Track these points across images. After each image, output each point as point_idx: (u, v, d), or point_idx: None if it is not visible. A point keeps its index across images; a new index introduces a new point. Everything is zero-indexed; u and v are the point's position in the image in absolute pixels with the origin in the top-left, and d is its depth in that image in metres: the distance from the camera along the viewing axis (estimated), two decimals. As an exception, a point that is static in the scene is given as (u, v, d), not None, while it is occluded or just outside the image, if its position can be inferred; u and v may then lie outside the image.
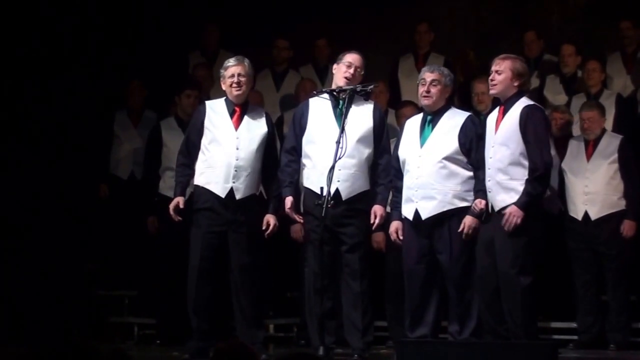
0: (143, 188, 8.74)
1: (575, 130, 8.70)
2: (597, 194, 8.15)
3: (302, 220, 7.26)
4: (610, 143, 8.21)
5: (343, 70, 7.16)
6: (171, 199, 8.27)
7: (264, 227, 7.26)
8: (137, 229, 8.74)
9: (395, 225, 7.17)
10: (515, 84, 7.00)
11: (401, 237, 7.14)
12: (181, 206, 7.28)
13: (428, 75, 7.14)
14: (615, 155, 8.14)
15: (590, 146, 8.26)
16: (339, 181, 6.97)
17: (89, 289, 9.09)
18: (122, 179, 9.23)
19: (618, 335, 8.12)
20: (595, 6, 10.44)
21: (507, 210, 6.86)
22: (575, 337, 8.31)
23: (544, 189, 6.97)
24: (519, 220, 6.82)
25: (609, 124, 8.64)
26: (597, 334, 8.20)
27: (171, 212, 7.30)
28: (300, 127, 7.20)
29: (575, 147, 8.34)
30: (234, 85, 7.29)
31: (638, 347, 8.20)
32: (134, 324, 9.02)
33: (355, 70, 7.14)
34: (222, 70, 7.37)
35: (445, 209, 6.99)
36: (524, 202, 6.83)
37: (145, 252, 8.72)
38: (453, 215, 7.00)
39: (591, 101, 8.68)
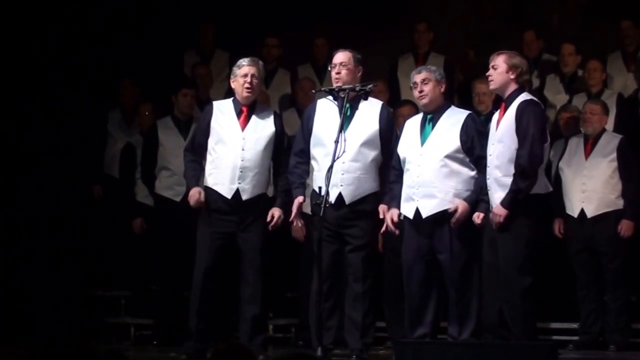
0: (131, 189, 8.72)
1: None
2: (595, 192, 8.12)
3: (300, 224, 7.22)
4: (610, 142, 8.18)
5: (333, 74, 7.13)
6: (167, 199, 8.32)
7: (267, 219, 7.19)
8: (133, 229, 8.71)
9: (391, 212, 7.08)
10: (512, 76, 6.96)
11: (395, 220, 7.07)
12: (202, 198, 7.18)
13: (417, 77, 7.16)
14: (614, 155, 8.11)
15: (589, 144, 8.23)
16: (342, 185, 6.95)
17: (85, 289, 9.05)
18: (116, 178, 9.16)
19: (617, 336, 8.09)
20: (596, 5, 10.42)
21: (493, 210, 6.84)
22: (575, 338, 8.28)
23: (530, 183, 6.81)
24: (502, 219, 6.78)
25: (610, 123, 8.61)
26: (597, 334, 8.18)
27: (192, 203, 7.21)
28: (307, 130, 7.17)
29: (574, 145, 8.31)
30: (246, 85, 7.22)
31: (638, 348, 8.18)
32: (131, 325, 8.99)
33: (340, 68, 7.08)
34: (234, 69, 7.30)
35: (445, 208, 6.96)
36: (507, 200, 6.79)
37: (141, 252, 8.68)
38: (453, 215, 6.96)
39: (598, 98, 8.67)
